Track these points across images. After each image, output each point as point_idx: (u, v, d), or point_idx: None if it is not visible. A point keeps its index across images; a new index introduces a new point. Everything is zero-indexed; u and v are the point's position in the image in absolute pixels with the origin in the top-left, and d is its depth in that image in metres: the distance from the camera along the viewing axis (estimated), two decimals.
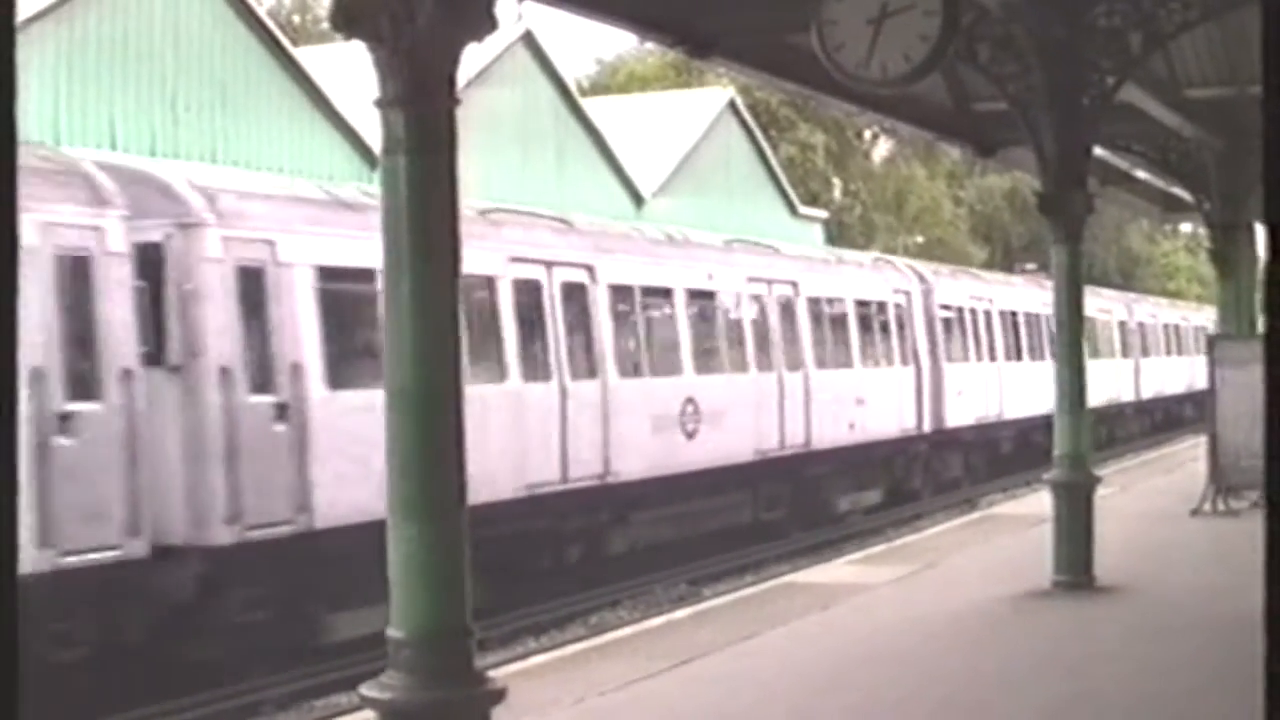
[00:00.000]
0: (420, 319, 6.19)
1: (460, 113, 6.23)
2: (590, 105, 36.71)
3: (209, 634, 13.32)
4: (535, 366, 17.58)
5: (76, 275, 12.47)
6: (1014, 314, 32.90)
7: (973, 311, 30.70)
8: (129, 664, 12.58)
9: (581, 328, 18.60)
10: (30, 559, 11.56)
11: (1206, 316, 46.29)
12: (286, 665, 13.78)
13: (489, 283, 16.88)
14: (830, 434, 23.78)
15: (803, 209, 44.64)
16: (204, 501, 13.29)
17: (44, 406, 11.86)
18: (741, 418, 21.51)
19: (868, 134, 58.40)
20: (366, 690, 6.26)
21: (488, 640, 13.59)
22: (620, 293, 19.45)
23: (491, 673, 7.15)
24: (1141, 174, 22.40)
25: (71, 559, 11.93)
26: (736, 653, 11.12)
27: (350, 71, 17.97)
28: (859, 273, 27.16)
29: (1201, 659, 10.30)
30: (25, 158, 13.34)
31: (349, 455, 13.73)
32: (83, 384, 12.34)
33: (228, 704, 13.05)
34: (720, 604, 14.56)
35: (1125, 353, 41.86)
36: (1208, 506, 18.51)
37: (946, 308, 29.48)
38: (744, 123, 42.47)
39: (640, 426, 19.17)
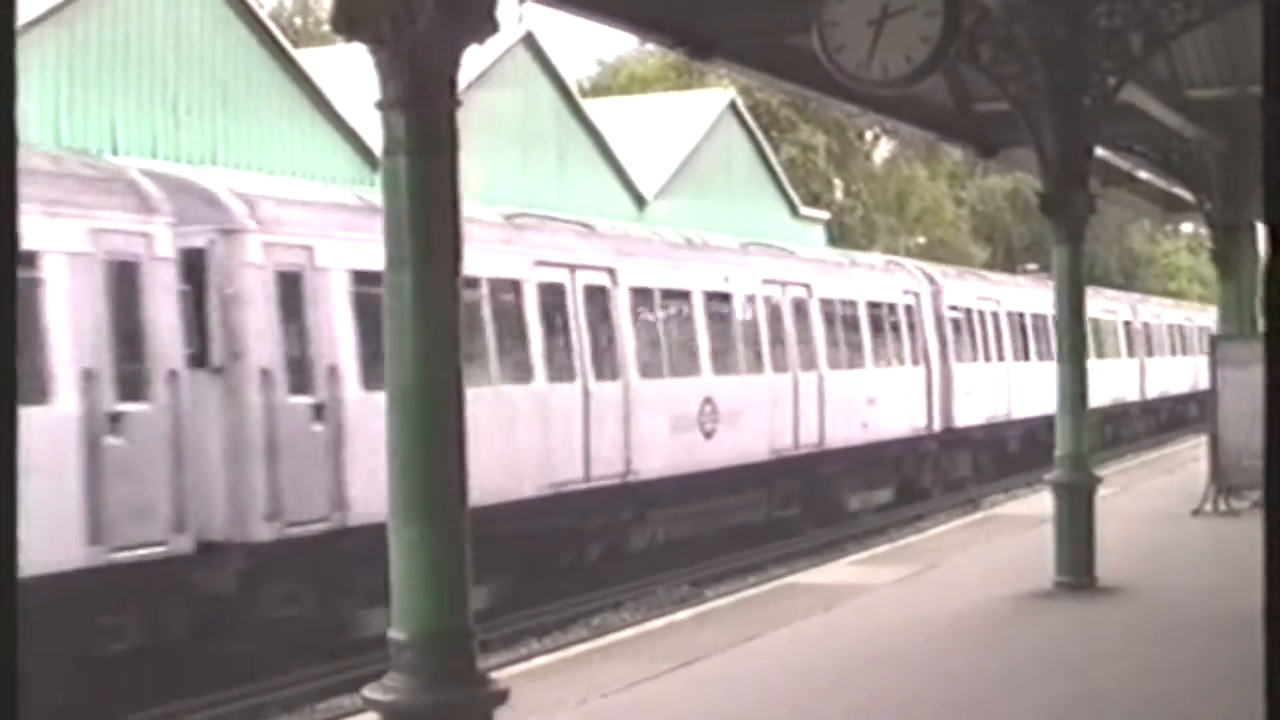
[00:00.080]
0: (421, 320, 6.20)
1: (461, 114, 6.23)
2: (591, 107, 36.71)
3: (245, 629, 13.55)
4: (560, 367, 17.77)
5: (125, 279, 12.72)
6: (1021, 315, 32.96)
7: (981, 312, 30.79)
8: (169, 658, 12.78)
9: (604, 329, 18.81)
10: (82, 555, 11.76)
11: (1210, 317, 46.26)
12: (319, 660, 13.97)
13: (515, 286, 17.13)
14: (843, 433, 23.95)
15: (804, 210, 44.65)
16: (245, 499, 13.57)
17: (95, 407, 12.13)
18: (758, 417, 21.70)
19: (869, 135, 58.40)
20: (369, 692, 6.27)
21: (490, 642, 13.62)
22: (641, 295, 19.64)
23: (494, 674, 7.15)
24: (1143, 174, 22.40)
25: (121, 554, 12.15)
26: (739, 654, 11.11)
27: (351, 73, 18.00)
28: (870, 275, 27.31)
29: (1203, 659, 10.29)
30: (74, 167, 13.51)
31: (383, 454, 13.88)
32: (132, 385, 12.58)
33: (251, 700, 13.17)
34: (722, 605, 14.55)
35: (1130, 353, 41.92)
36: (1209, 507, 18.51)
37: (955, 309, 29.56)
38: (745, 124, 42.46)
39: (660, 426, 19.37)
